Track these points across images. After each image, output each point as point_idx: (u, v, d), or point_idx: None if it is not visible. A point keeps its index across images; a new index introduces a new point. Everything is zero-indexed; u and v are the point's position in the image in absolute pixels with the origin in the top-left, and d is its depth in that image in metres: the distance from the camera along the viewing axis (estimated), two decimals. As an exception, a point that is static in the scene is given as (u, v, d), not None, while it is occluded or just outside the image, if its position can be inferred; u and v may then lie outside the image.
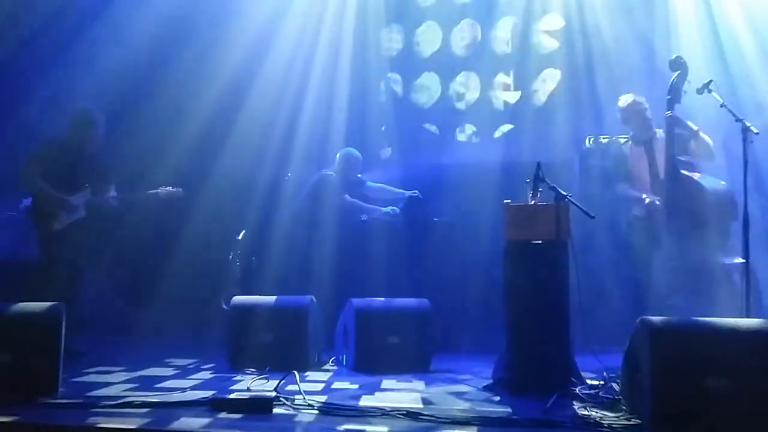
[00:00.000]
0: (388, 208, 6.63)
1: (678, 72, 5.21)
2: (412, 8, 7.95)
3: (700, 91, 5.13)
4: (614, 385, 4.22)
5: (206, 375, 5.03)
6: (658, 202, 5.38)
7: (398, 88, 7.95)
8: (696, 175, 5.28)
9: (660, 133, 5.59)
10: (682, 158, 5.30)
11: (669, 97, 5.23)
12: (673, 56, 5.30)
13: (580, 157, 6.96)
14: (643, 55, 7.08)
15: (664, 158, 5.39)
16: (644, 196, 5.48)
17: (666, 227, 5.23)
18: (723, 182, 5.29)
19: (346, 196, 6.57)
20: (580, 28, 7.45)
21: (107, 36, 7.26)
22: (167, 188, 6.16)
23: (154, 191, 6.13)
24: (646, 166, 5.57)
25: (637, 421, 3.67)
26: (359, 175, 6.80)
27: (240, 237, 6.94)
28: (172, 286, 6.89)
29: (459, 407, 4.05)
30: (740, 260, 4.73)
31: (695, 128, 5.35)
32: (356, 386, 4.67)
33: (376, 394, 4.44)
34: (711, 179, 5.29)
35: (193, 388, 4.55)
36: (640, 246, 5.51)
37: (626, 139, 6.27)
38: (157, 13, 7.32)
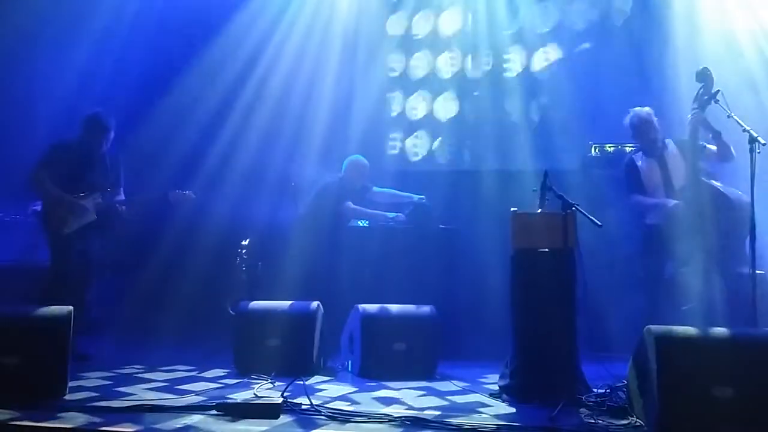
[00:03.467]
0: (393, 214, 6.64)
1: (703, 84, 5.22)
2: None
3: (707, 102, 5.16)
4: (621, 393, 4.23)
5: (213, 380, 5.04)
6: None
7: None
8: (717, 184, 5.29)
9: (671, 143, 5.60)
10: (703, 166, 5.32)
11: (694, 106, 5.25)
12: (700, 68, 5.32)
13: (584, 165, 6.95)
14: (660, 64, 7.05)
15: (681, 167, 5.43)
16: (668, 201, 5.46)
17: (684, 234, 5.23)
18: (740, 192, 5.29)
19: (349, 203, 6.55)
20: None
21: (118, 39, 7.28)
22: (178, 191, 6.16)
23: (164, 194, 6.14)
24: (659, 177, 5.58)
25: (644, 429, 3.68)
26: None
27: (245, 243, 6.95)
28: (179, 291, 6.89)
29: (465, 414, 4.06)
30: (759, 271, 4.74)
31: (717, 129, 5.34)
32: (362, 392, 4.68)
33: (382, 400, 4.45)
34: (731, 189, 5.29)
35: (200, 392, 4.56)
36: (652, 254, 5.52)
37: (632, 148, 6.28)
38: (169, 17, 7.36)
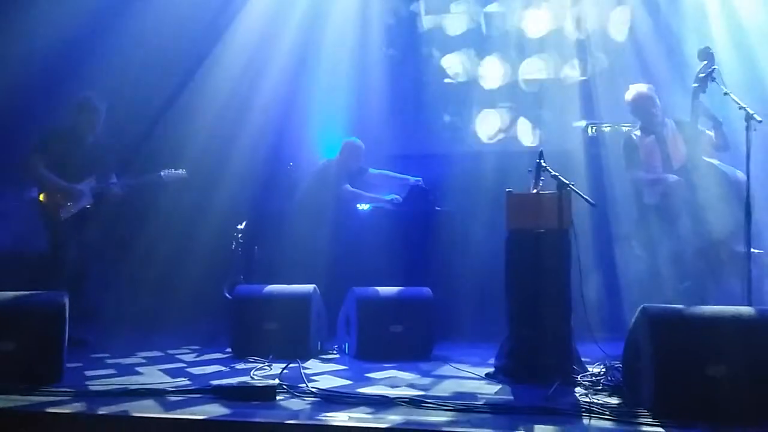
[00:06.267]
0: (391, 196, 6.63)
1: (705, 62, 5.19)
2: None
3: (703, 80, 5.13)
4: (616, 372, 4.23)
5: (209, 363, 5.05)
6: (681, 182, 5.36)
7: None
8: (716, 162, 5.28)
9: (670, 122, 5.58)
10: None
11: (695, 86, 5.23)
12: (702, 47, 5.29)
13: (583, 145, 6.94)
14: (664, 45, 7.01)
15: (680, 147, 5.42)
16: (669, 176, 5.44)
17: (684, 212, 5.23)
18: (740, 172, 5.28)
19: (347, 186, 6.55)
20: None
21: (110, 25, 7.23)
22: (170, 171, 6.14)
23: (157, 174, 6.12)
24: (658, 154, 5.56)
25: (639, 408, 3.69)
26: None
27: (241, 226, 6.95)
28: (175, 275, 6.91)
29: (461, 395, 4.06)
30: (756, 250, 4.74)
31: (719, 120, 5.33)
32: (359, 374, 4.69)
33: (379, 382, 4.46)
34: (730, 168, 5.28)
35: (197, 376, 4.57)
36: (649, 233, 5.52)
37: (629, 127, 6.26)
38: (165, 5, 7.31)
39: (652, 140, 5.59)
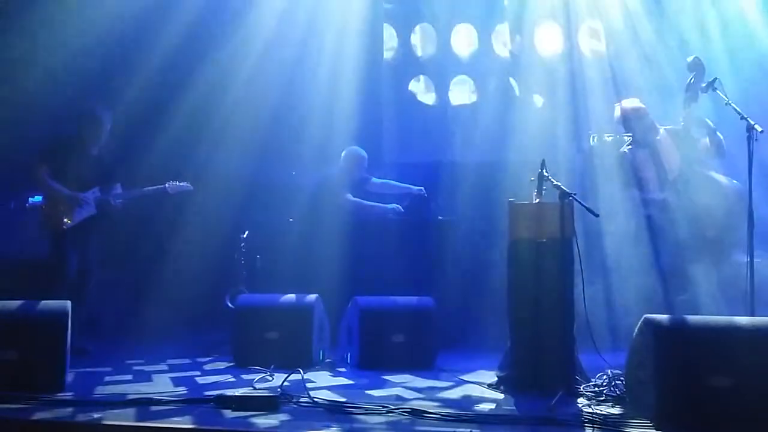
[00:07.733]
0: (392, 206, 6.64)
1: (695, 73, 5.21)
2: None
3: (704, 90, 5.14)
4: (619, 382, 4.22)
5: (212, 373, 5.04)
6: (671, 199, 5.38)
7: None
8: (710, 173, 5.29)
9: (662, 131, 5.60)
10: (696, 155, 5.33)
11: (686, 95, 5.24)
12: (691, 57, 5.31)
13: (584, 155, 6.94)
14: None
15: (674, 156, 5.43)
16: (659, 197, 5.46)
17: (680, 223, 5.24)
18: (735, 181, 5.28)
19: (349, 195, 6.55)
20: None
21: (115, 35, 7.26)
22: (175, 183, 6.16)
23: (162, 186, 6.14)
24: (652, 168, 5.57)
25: (642, 419, 3.68)
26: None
27: (244, 236, 6.95)
28: (177, 285, 6.90)
29: (464, 405, 4.06)
30: (757, 259, 4.74)
31: (712, 126, 5.35)
32: (361, 384, 4.70)
33: (381, 391, 4.46)
34: (725, 177, 5.28)
35: (199, 385, 4.57)
36: (648, 244, 5.52)
37: (630, 137, 6.27)
38: (168, 10, 7.34)
39: (645, 154, 5.60)
